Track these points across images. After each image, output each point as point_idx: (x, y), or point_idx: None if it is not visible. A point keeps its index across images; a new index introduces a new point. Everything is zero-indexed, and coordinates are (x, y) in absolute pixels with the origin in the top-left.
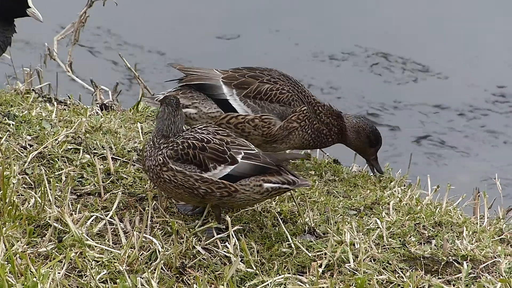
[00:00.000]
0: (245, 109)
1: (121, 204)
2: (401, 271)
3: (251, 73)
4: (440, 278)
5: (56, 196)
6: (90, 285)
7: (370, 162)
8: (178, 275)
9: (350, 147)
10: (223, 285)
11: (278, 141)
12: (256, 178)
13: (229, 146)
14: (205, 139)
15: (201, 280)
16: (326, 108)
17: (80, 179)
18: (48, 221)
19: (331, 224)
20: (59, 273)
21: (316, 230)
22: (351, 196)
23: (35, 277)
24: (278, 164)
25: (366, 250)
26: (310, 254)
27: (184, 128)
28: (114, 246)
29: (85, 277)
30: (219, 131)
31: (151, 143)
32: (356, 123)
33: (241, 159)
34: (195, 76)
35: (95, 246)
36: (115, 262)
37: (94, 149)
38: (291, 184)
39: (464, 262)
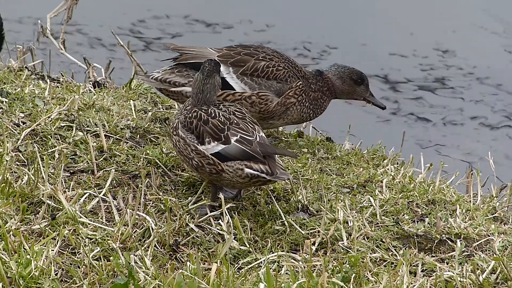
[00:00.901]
0: (242, 86)
1: (114, 181)
2: (395, 249)
3: (246, 51)
4: (434, 256)
5: (49, 173)
6: (84, 262)
7: (367, 100)
8: (171, 253)
9: (342, 98)
10: (216, 262)
11: (275, 117)
12: (241, 162)
13: (230, 127)
14: (213, 114)
15: (195, 258)
16: (311, 74)
17: (73, 156)
18: (42, 198)
19: (324, 202)
20: (53, 250)
21: (309, 208)
22: (344, 174)
23: (29, 255)
24: (266, 155)
25: (359, 228)
26: (303, 232)
27: (215, 98)
28: (107, 223)
29: (78, 254)
30: (236, 111)
31: (184, 105)
32: (335, 71)
33: (234, 141)
34: (189, 55)
35: (88, 224)
36: (108, 240)
37: (87, 126)
38: (269, 175)
39: (458, 240)
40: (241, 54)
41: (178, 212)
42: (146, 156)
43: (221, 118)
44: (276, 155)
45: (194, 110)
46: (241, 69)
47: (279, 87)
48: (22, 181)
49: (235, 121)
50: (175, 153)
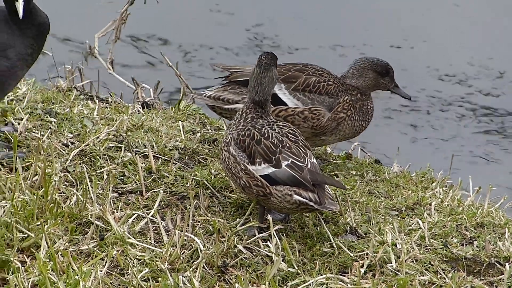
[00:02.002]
0: (295, 102)
1: (162, 202)
2: (443, 272)
3: (295, 67)
4: (482, 280)
5: (98, 194)
6: (132, 283)
7: (392, 91)
8: (219, 274)
9: (370, 91)
10: (264, 284)
11: (327, 133)
12: (290, 188)
13: (282, 150)
14: (266, 134)
15: (243, 279)
16: (347, 84)
17: (122, 177)
18: (90, 219)
19: (372, 224)
20: (101, 271)
21: (358, 230)
22: (393, 196)
23: (77, 275)
24: (315, 183)
25: (408, 250)
26: (352, 254)
27: (272, 91)
28: (155, 244)
29: (126, 275)
30: (290, 134)
31: (242, 110)
32: (354, 70)
33: (285, 165)
34: (240, 73)
35: (137, 245)
36: (156, 261)
37: (136, 147)
38: (317, 204)
39: (507, 264)
40: (291, 70)
41: (226, 233)
42: (194, 177)
43: (274, 140)
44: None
45: (248, 128)
46: (293, 85)
47: (330, 102)
48: (71, 201)
49: (288, 144)
50: (223, 168)
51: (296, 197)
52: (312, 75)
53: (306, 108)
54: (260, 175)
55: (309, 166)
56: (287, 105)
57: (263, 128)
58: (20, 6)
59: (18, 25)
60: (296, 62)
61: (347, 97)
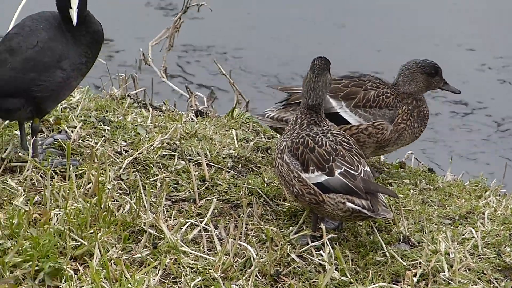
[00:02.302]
0: (357, 119)
1: (216, 210)
2: (496, 281)
3: (353, 82)
4: None
5: (151, 202)
6: None
7: (443, 88)
8: (272, 283)
9: (422, 93)
10: None
11: (390, 144)
12: (343, 195)
13: (335, 158)
14: (320, 142)
15: None
16: (402, 93)
17: (175, 185)
18: (143, 227)
19: (425, 233)
20: (154, 279)
21: (411, 239)
22: (446, 205)
23: (130, 283)
24: (368, 192)
25: (461, 259)
26: (404, 263)
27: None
28: (208, 253)
29: (179, 283)
30: (344, 142)
31: (296, 116)
32: (404, 77)
33: (338, 174)
34: (299, 94)
35: (190, 253)
36: (209, 269)
37: (189, 155)
38: (370, 211)
39: None
40: (349, 86)
41: (279, 242)
42: (248, 186)
43: (327, 148)
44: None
45: (302, 135)
46: (353, 102)
47: (391, 114)
48: (124, 209)
49: (341, 153)
50: (276, 175)
51: (349, 204)
52: (370, 89)
53: (370, 124)
54: (313, 183)
55: (362, 175)
56: (349, 123)
57: (317, 136)
58: (74, 13)
59: (72, 32)
60: (350, 75)
61: (404, 106)
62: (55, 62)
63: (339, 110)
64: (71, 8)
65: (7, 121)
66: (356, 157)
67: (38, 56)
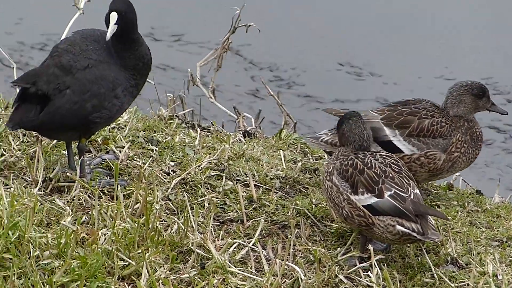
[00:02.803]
0: (411, 148)
1: (263, 231)
2: None
3: (407, 110)
4: None
5: (199, 222)
6: None
7: (490, 110)
8: None
9: (471, 114)
10: None
11: (443, 172)
12: (393, 218)
13: (385, 180)
14: (370, 164)
15: None
16: (453, 117)
17: (223, 205)
18: (191, 247)
19: (473, 255)
20: None
21: (459, 260)
22: (494, 227)
23: None
24: (418, 214)
25: (508, 281)
26: (453, 285)
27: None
28: (256, 273)
29: None
30: (393, 164)
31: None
32: (452, 99)
33: (387, 196)
34: None
35: (238, 273)
36: None
37: (237, 176)
38: (420, 234)
39: None
40: (403, 114)
41: (327, 263)
42: (295, 207)
43: (377, 170)
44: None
45: (350, 157)
46: (407, 131)
47: (445, 143)
48: (172, 229)
49: (391, 175)
50: (325, 198)
51: (398, 227)
52: (424, 118)
53: (422, 154)
54: (362, 205)
55: (412, 197)
56: (402, 152)
57: (366, 158)
58: (110, 28)
59: (119, 54)
60: (404, 100)
61: (458, 135)
62: (110, 91)
63: (392, 138)
64: (109, 23)
65: (54, 141)
66: (405, 179)
67: (94, 87)
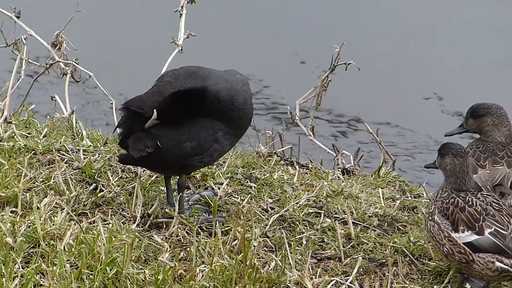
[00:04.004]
0: None
1: (361, 269)
2: None
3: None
4: None
5: (297, 259)
6: None
7: None
8: None
9: None
10: None
11: None
12: (493, 255)
13: (485, 218)
14: (470, 202)
15: None
16: None
17: (321, 243)
18: (288, 284)
19: None
20: None
21: None
22: None
23: None
24: None
25: None
26: None
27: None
28: None
29: None
30: (494, 202)
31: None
32: (493, 124)
33: (488, 233)
34: None
35: None
36: None
37: (335, 213)
38: None
39: None
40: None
41: None
42: (393, 245)
43: (477, 208)
44: None
45: (452, 196)
46: None
47: None
48: (269, 266)
49: (492, 212)
50: (428, 237)
51: (498, 264)
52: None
53: None
54: (463, 242)
55: None
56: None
57: (467, 196)
58: (149, 121)
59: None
60: None
61: None
62: (211, 135)
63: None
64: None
65: (154, 177)
66: (506, 217)
67: (197, 133)
